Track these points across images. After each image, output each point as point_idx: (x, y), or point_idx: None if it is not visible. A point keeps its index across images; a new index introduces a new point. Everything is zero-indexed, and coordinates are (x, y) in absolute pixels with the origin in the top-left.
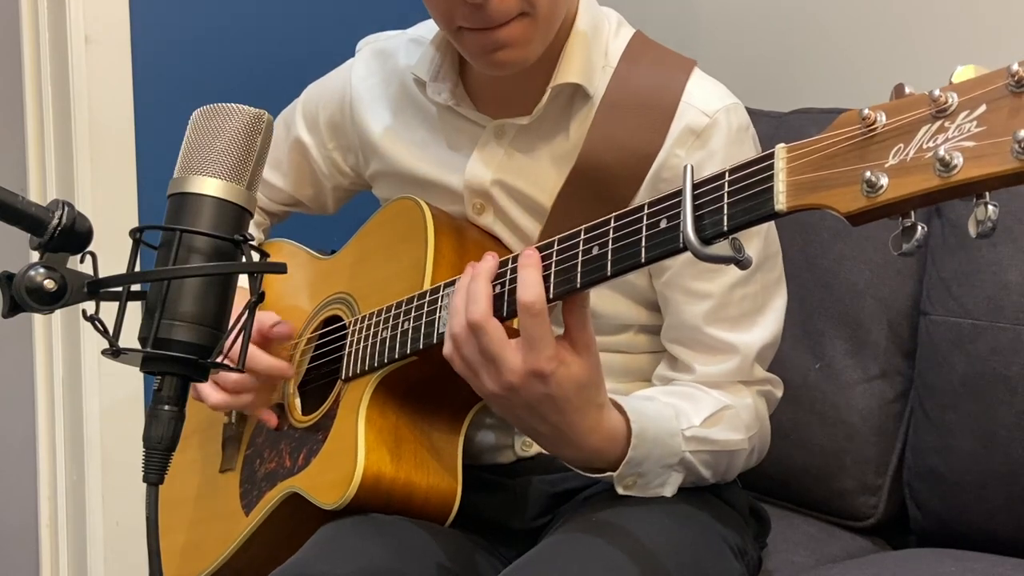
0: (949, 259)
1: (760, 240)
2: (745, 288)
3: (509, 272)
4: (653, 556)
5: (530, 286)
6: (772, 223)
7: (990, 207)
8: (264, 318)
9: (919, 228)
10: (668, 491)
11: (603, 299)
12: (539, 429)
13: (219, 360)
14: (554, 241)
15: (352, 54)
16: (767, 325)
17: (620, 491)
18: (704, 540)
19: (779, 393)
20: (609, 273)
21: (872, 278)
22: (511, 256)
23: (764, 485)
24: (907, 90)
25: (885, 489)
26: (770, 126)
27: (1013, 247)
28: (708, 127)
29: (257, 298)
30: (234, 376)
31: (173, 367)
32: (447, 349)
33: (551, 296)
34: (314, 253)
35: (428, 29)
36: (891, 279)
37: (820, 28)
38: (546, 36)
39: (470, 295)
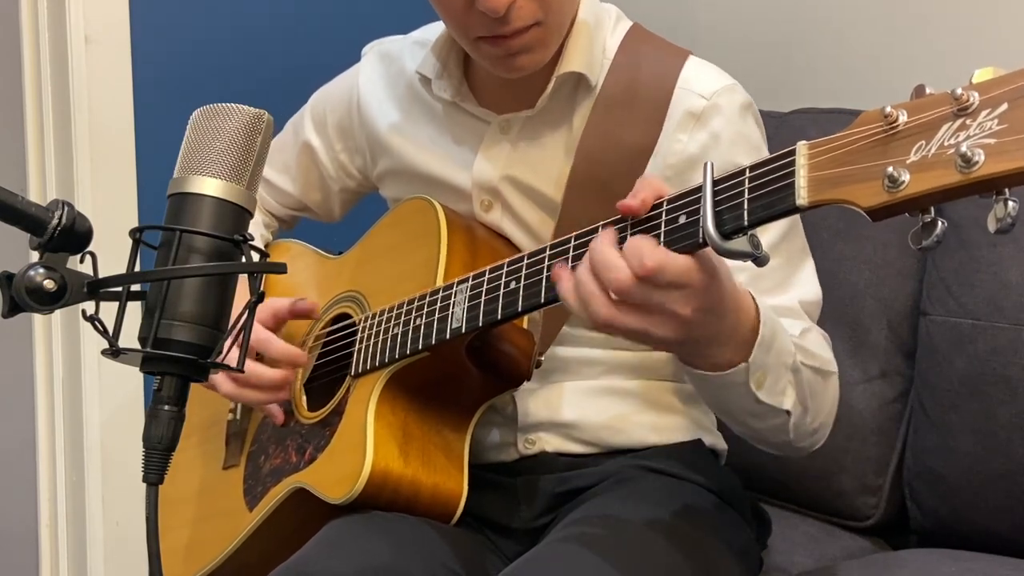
0: (949, 259)
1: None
2: (773, 260)
3: (524, 268)
4: (655, 556)
5: (651, 253)
6: None
7: (1010, 203)
8: (279, 302)
9: (939, 224)
10: (788, 402)
11: None
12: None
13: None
14: (571, 238)
15: (352, 53)
16: (803, 285)
17: (752, 387)
18: (706, 541)
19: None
20: None
21: (872, 278)
22: (524, 254)
23: (764, 485)
24: (927, 90)
25: (885, 489)
26: (770, 126)
27: (1013, 247)
28: (707, 109)
29: (257, 298)
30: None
31: (173, 367)
32: (605, 315)
33: None
34: (323, 253)
35: (431, 32)
36: (891, 279)
37: (820, 28)
38: (560, 36)
39: (630, 247)
